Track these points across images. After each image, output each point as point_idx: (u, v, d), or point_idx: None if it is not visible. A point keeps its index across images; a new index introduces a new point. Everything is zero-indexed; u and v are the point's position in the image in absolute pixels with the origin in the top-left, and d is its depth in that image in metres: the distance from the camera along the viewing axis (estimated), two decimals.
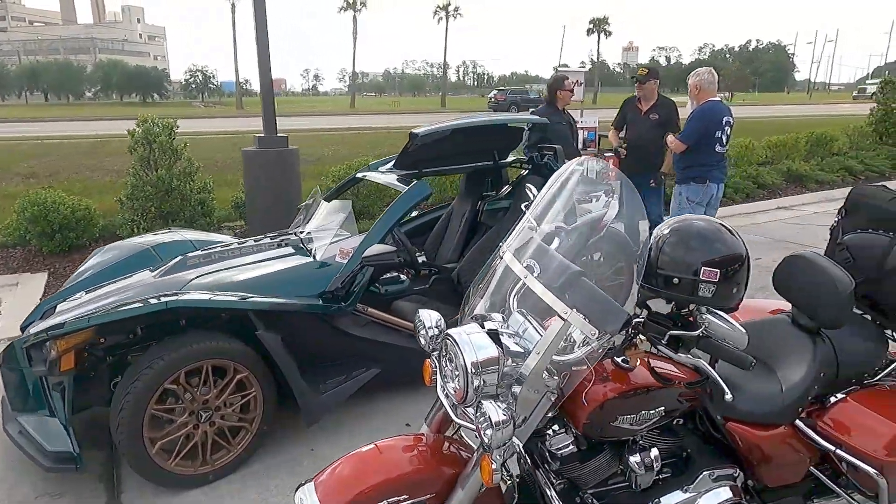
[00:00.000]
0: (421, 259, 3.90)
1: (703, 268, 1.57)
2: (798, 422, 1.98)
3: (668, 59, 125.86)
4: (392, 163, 3.84)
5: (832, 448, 1.93)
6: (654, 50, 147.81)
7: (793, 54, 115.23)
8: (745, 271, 1.66)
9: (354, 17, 50.37)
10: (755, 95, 72.54)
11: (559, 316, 1.55)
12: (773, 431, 1.94)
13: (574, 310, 1.54)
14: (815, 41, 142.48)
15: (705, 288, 1.57)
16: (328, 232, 3.34)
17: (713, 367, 1.81)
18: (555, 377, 1.57)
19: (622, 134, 5.71)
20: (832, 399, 2.03)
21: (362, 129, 22.00)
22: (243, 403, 2.73)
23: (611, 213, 3.90)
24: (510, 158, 4.11)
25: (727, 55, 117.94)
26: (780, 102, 54.41)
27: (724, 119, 4.59)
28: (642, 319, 1.59)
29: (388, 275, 3.70)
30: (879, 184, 2.57)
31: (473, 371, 1.56)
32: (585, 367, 1.56)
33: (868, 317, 2.25)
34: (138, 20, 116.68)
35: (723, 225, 1.72)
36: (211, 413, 2.63)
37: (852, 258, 2.24)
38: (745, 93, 71.89)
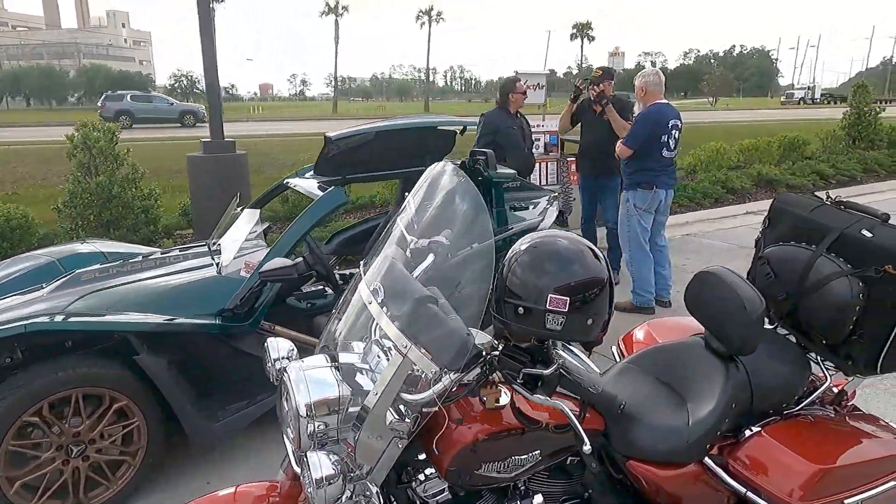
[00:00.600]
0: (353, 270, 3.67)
1: (550, 295, 1.32)
2: (707, 459, 1.77)
3: (653, 63, 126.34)
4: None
5: (742, 490, 1.71)
6: (639, 55, 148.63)
7: (777, 59, 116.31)
8: (604, 300, 1.41)
9: (336, 22, 50.24)
10: (738, 100, 72.93)
11: (398, 350, 1.33)
12: (678, 471, 1.73)
13: (414, 343, 1.32)
14: (797, 46, 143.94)
15: (553, 319, 1.32)
16: (237, 243, 3.10)
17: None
18: (406, 420, 1.34)
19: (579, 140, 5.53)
20: (746, 433, 1.82)
21: None
22: (125, 434, 2.48)
23: (547, 222, 3.71)
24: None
25: (712, 60, 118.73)
26: (764, 107, 54.76)
27: (671, 123, 4.40)
28: (497, 354, 1.36)
29: (313, 288, 3.47)
30: (837, 191, 2.37)
31: (306, 414, 1.33)
32: (436, 407, 1.34)
33: (793, 338, 2.05)
34: (123, 25, 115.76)
35: (588, 246, 1.48)
36: (84, 447, 2.38)
37: (773, 273, 2.04)
38: (730, 97, 72.28)
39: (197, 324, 2.64)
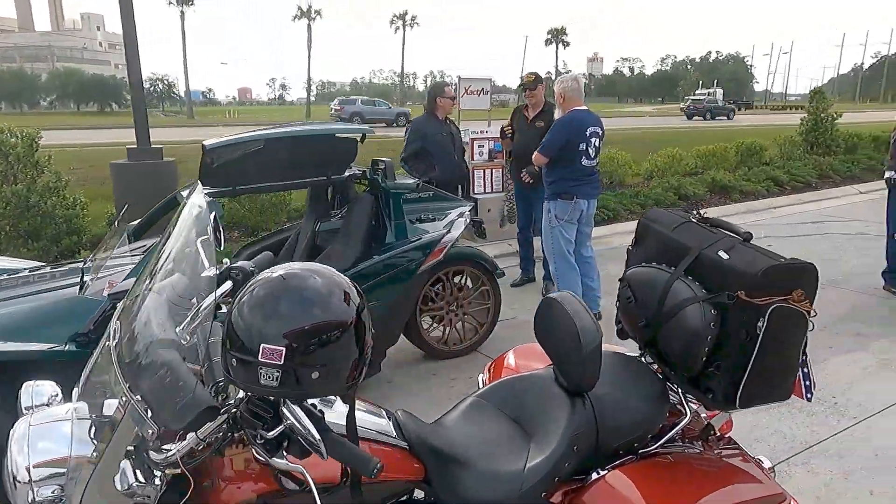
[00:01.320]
0: None
1: (263, 345, 1.11)
2: None
3: (631, 69, 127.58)
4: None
5: None
6: (617, 61, 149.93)
7: (751, 66, 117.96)
8: (342, 349, 1.15)
9: (309, 26, 49.75)
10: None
11: (119, 404, 1.14)
12: None
13: (138, 397, 1.12)
14: (771, 53, 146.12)
15: (267, 373, 1.10)
16: (107, 260, 2.88)
17: None
18: (154, 482, 1.14)
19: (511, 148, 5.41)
20: (593, 476, 1.65)
21: None
22: None
23: (453, 234, 3.54)
24: (349, 172, 3.69)
25: (688, 66, 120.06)
26: (738, 112, 55.42)
27: (590, 130, 4.25)
28: (237, 411, 1.15)
29: None
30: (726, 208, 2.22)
31: (27, 479, 1.13)
32: (178, 469, 1.14)
33: (656, 366, 1.89)
34: (98, 28, 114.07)
35: (341, 285, 1.20)
36: None
37: (633, 297, 1.88)
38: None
39: (42, 350, 2.41)
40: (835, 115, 11.88)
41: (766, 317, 1.58)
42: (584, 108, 4.37)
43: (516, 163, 5.22)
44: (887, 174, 4.93)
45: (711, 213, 8.45)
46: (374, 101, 37.14)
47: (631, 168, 9.69)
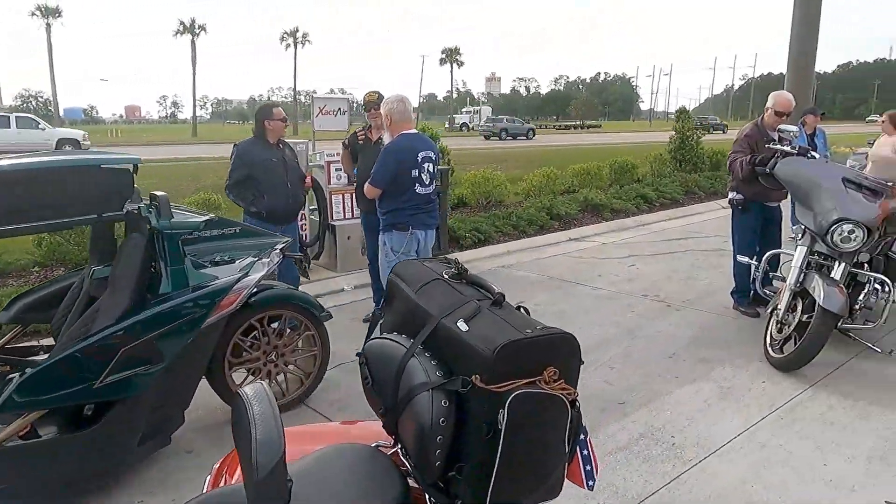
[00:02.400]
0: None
1: None
2: None
3: (527, 88, 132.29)
4: None
5: None
6: (514, 80, 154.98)
7: (636, 86, 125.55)
8: None
9: (193, 42, 47.47)
10: (603, 124, 77.60)
11: None
12: None
13: None
14: (653, 74, 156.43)
15: None
16: None
17: None
18: None
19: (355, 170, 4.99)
20: None
21: (188, 160, 20.27)
22: None
23: (250, 279, 3.05)
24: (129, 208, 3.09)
25: (580, 86, 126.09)
26: (626, 130, 58.50)
27: (422, 155, 3.92)
28: None
29: None
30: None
31: None
32: None
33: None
34: None
35: None
36: None
37: (371, 376, 1.49)
38: (595, 121, 76.69)
39: None
40: (700, 134, 12.47)
41: (507, 407, 1.23)
42: (414, 131, 4.04)
43: (359, 190, 4.81)
44: (730, 195, 4.96)
45: (584, 231, 8.51)
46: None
47: (507, 188, 9.59)
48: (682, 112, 12.70)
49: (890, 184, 4.03)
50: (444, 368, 1.35)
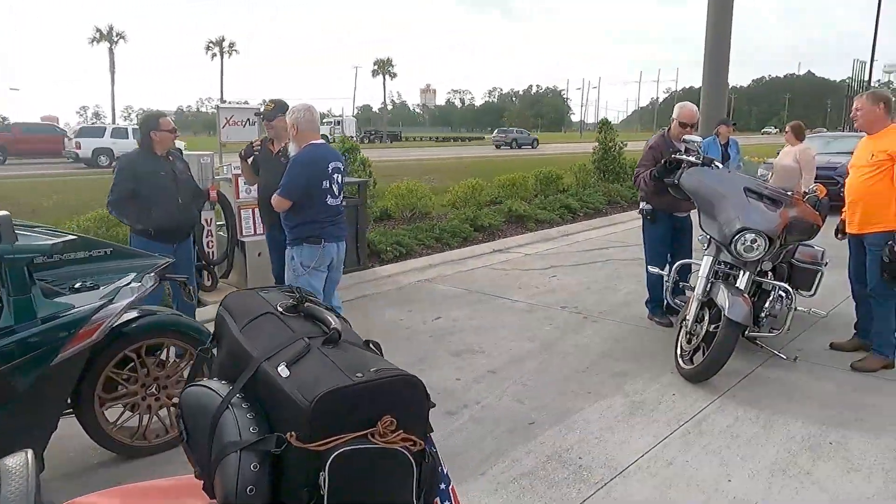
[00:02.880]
0: None
1: None
2: None
3: (462, 101, 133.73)
4: None
5: None
6: (449, 92, 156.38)
7: (567, 98, 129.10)
8: None
9: (111, 50, 45.31)
10: (537, 135, 79.15)
11: None
12: None
13: None
14: (583, 87, 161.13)
15: None
16: None
17: None
18: None
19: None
20: None
21: (101, 173, 19.24)
22: None
23: (114, 307, 2.75)
24: None
25: (513, 98, 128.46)
26: (558, 141, 59.82)
27: (332, 165, 3.74)
28: None
29: None
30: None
31: None
32: None
33: None
34: None
35: None
36: None
37: (185, 430, 1.26)
38: (529, 132, 78.13)
39: None
40: (622, 144, 12.74)
41: (327, 468, 1.03)
42: (321, 141, 3.85)
43: (263, 205, 4.53)
44: (642, 204, 4.96)
45: (508, 243, 8.44)
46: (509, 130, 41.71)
47: (431, 199, 9.46)
48: (604, 124, 12.95)
49: (790, 193, 4.10)
50: (263, 423, 1.13)
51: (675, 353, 4.08)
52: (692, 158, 4.25)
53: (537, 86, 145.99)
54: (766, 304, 4.17)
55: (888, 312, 3.96)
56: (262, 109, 4.55)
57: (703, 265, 4.06)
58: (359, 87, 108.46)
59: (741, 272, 3.98)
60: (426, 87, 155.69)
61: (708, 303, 3.96)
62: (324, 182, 3.72)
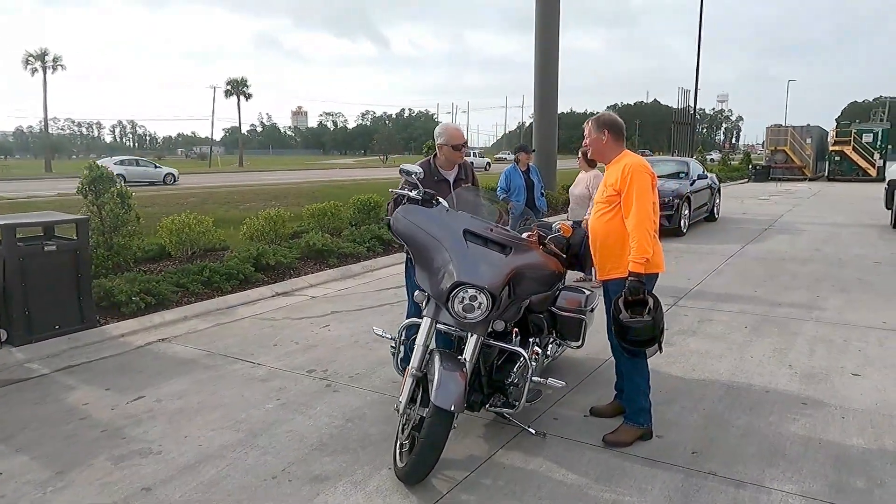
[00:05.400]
0: None
1: None
2: None
3: (335, 123, 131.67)
4: None
5: None
6: (321, 115, 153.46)
7: (438, 121, 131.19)
8: None
9: None
10: (408, 158, 79.22)
11: None
12: None
13: None
14: (453, 111, 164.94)
15: None
16: None
17: None
18: None
19: None
20: None
21: None
22: None
23: None
24: None
25: (386, 121, 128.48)
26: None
27: None
28: None
29: None
30: None
31: None
32: None
33: None
34: None
35: None
36: None
37: None
38: (399, 155, 78.05)
39: None
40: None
41: None
42: None
43: None
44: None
45: (297, 283, 7.27)
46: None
47: (214, 234, 8.16)
48: (430, 147, 12.31)
49: (525, 235, 3.39)
50: None
51: (395, 444, 3.18)
52: (413, 194, 3.43)
53: (409, 109, 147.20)
54: (515, 370, 3.41)
55: (633, 372, 3.33)
56: None
57: (420, 330, 3.21)
58: (213, 107, 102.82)
59: (468, 336, 3.17)
60: (297, 108, 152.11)
61: (423, 379, 3.10)
62: None
